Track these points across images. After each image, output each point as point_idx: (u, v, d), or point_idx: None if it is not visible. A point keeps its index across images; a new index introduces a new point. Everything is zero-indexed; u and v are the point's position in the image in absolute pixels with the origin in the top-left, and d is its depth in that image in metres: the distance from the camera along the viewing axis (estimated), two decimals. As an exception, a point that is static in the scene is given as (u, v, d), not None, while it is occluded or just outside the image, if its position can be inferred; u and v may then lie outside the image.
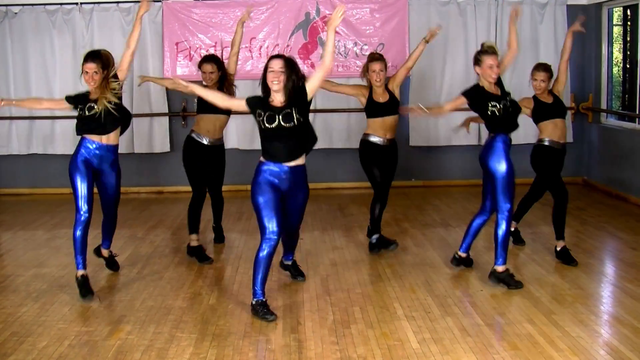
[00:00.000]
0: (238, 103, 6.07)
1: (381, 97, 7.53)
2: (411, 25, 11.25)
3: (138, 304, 6.15)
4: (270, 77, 5.71)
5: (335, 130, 11.42)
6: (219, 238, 8.23)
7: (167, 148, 11.39)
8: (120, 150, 10.74)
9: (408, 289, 6.42)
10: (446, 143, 11.42)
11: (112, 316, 5.86)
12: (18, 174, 11.57)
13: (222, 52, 10.90)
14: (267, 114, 5.74)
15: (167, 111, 11.30)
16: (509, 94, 6.57)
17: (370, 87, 7.57)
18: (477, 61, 6.51)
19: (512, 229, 7.72)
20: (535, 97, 7.28)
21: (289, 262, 6.80)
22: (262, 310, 5.72)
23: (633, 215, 9.28)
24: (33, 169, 11.55)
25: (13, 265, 7.42)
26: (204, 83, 7.40)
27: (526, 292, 6.25)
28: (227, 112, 7.48)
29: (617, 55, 11.48)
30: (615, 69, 11.39)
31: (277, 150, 5.78)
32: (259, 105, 5.81)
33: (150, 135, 11.33)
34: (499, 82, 6.55)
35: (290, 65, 5.74)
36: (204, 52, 11.01)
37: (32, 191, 11.52)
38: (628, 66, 11.17)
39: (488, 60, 6.42)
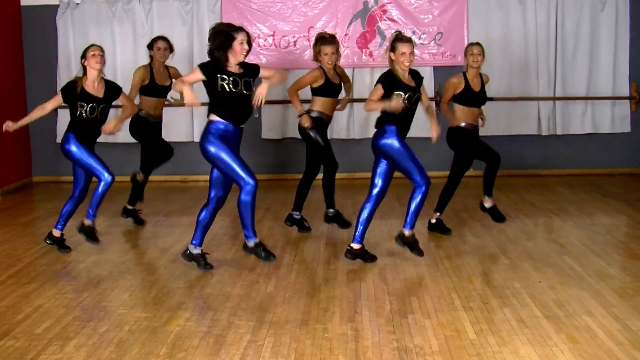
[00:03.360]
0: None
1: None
2: (470, 14, 11.14)
3: (196, 291, 6.23)
4: None
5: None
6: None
7: (191, 137, 11.47)
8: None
9: (465, 279, 6.39)
10: (506, 133, 11.30)
11: (171, 303, 5.93)
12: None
13: (279, 41, 10.98)
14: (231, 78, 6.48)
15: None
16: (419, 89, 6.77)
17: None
18: (392, 48, 6.66)
19: (434, 221, 8.00)
20: (466, 82, 7.68)
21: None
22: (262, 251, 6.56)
23: (697, 206, 9.10)
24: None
25: (74, 252, 7.55)
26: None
27: (585, 284, 6.17)
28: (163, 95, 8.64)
29: (682, 42, 11.22)
30: (679, 57, 11.15)
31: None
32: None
33: (173, 124, 11.04)
34: (414, 74, 6.77)
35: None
36: (262, 42, 11.09)
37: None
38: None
39: (401, 48, 6.57)
